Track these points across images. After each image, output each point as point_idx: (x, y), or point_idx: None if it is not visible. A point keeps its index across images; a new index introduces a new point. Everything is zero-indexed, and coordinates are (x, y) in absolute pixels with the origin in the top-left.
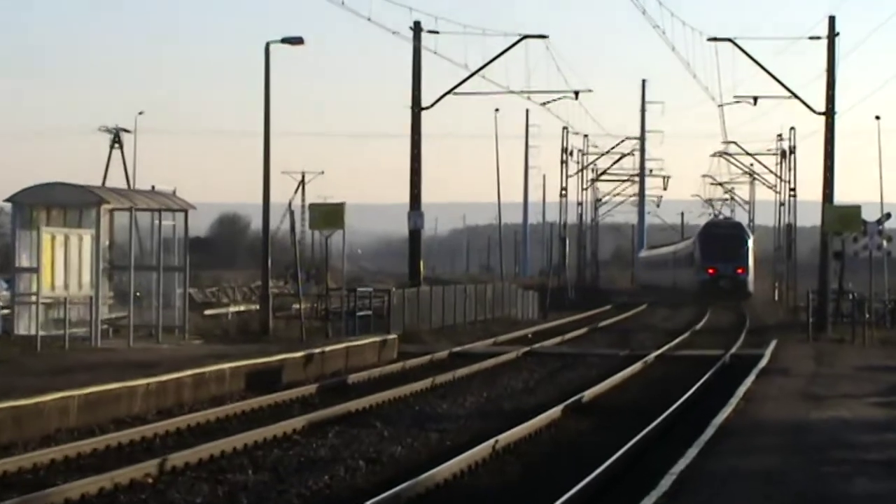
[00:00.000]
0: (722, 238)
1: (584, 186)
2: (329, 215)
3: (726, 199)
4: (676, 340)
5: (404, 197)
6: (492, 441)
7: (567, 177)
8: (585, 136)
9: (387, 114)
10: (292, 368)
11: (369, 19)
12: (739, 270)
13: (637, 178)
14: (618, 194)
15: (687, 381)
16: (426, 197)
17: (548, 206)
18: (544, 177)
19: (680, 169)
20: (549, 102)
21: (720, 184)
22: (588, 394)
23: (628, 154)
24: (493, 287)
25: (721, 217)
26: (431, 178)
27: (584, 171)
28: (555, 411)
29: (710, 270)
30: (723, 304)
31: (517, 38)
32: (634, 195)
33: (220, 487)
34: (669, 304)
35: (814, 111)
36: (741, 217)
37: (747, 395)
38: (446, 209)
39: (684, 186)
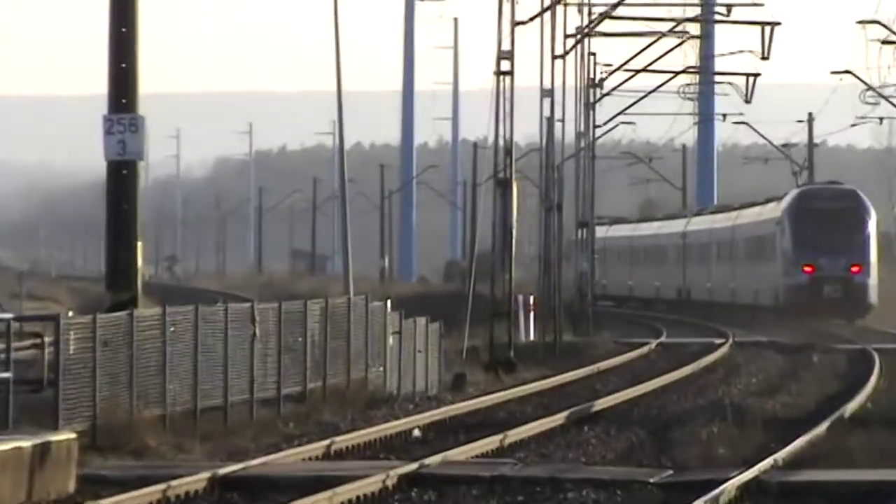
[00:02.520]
0: (827, 216)
1: (589, 78)
2: None
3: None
4: None
5: (95, 87)
6: None
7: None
8: None
9: None
10: None
11: None
12: (855, 269)
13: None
14: (656, 89)
15: None
16: (156, 87)
17: (473, 101)
18: (455, 40)
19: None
20: None
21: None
22: None
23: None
24: (324, 307)
25: (823, 184)
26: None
27: (585, 40)
28: None
29: (808, 269)
30: (830, 326)
31: None
32: (687, 89)
33: None
34: (723, 322)
35: None
36: None
37: None
38: (205, 115)
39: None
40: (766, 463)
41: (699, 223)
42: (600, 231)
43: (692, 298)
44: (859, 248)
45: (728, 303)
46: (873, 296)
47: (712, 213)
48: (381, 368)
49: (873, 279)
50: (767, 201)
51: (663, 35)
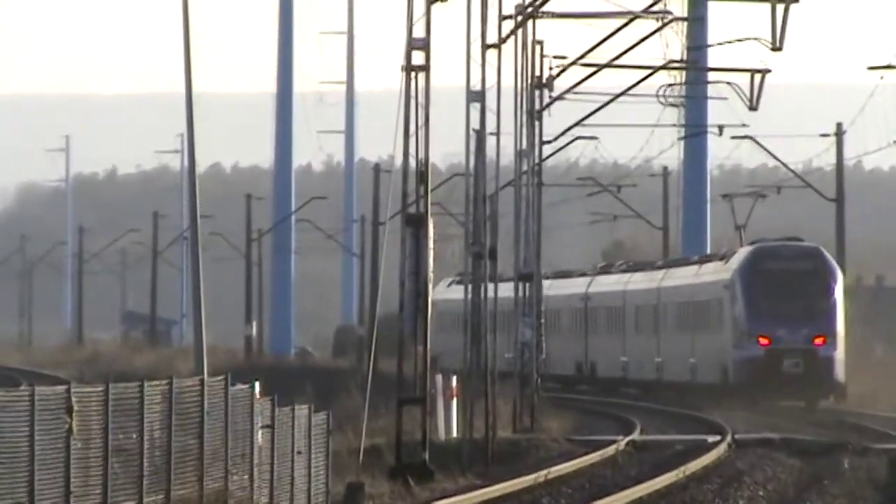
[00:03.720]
0: (786, 279)
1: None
2: None
3: None
4: None
5: None
6: None
7: None
8: None
9: None
10: None
11: None
12: (819, 340)
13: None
14: (627, 91)
15: None
16: None
17: None
18: None
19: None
20: None
21: None
22: None
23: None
24: (168, 392)
25: (781, 240)
26: None
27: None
28: None
29: (764, 340)
30: (788, 409)
31: None
32: (669, 91)
33: None
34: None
35: None
36: None
37: None
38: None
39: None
40: None
41: (606, 283)
42: (548, 286)
43: (598, 375)
44: (824, 316)
45: (653, 380)
46: (840, 372)
47: (625, 270)
48: (247, 476)
49: (840, 352)
50: (704, 260)
51: (637, 16)
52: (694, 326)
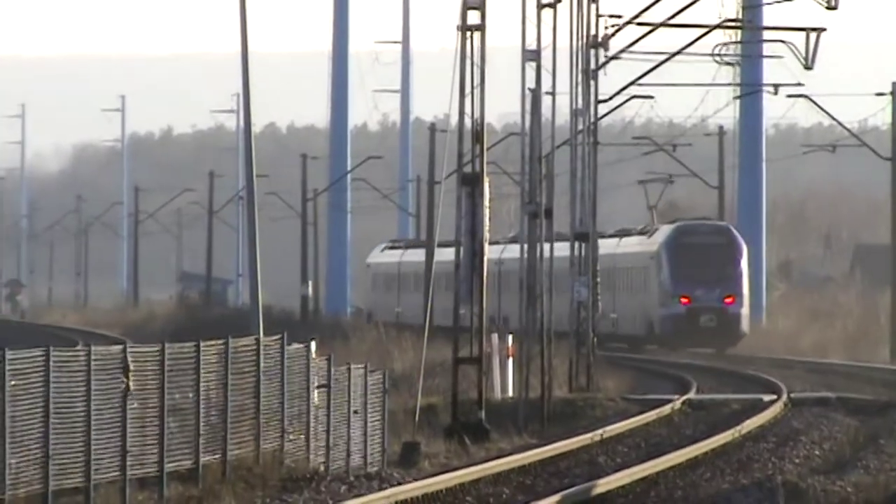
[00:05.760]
0: (702, 250)
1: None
2: None
3: None
4: None
5: None
6: None
7: None
8: None
9: None
10: None
11: None
12: (729, 300)
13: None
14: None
15: None
16: None
17: None
18: None
19: None
20: None
21: None
22: None
23: None
24: (224, 352)
25: (697, 219)
26: None
27: None
28: None
29: (684, 300)
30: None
31: None
32: (725, 50)
33: None
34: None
35: None
36: None
37: None
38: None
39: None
40: None
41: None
42: (606, 246)
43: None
44: (732, 280)
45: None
46: (745, 325)
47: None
48: (303, 436)
49: (745, 309)
50: (623, 233)
51: None
52: (625, 288)
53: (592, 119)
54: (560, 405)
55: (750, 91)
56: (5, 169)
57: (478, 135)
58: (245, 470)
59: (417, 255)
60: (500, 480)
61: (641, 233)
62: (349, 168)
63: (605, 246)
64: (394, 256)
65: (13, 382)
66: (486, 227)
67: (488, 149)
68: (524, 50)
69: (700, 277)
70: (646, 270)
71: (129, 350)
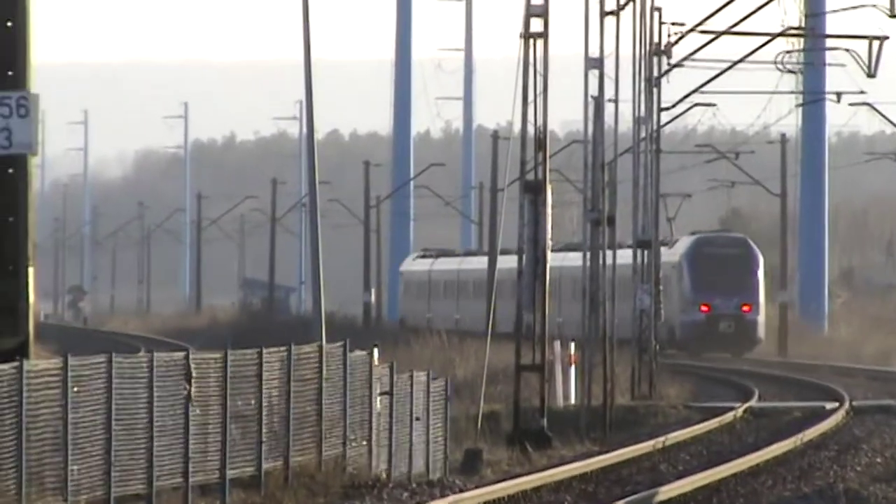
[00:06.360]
0: (720, 261)
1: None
2: None
3: None
4: None
5: None
6: None
7: None
8: None
9: None
10: None
11: None
12: (746, 308)
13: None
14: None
15: None
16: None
17: None
18: None
19: None
20: None
21: None
22: None
23: None
24: (286, 359)
25: (715, 232)
26: None
27: None
28: None
29: (704, 307)
30: (724, 359)
31: None
32: (787, 58)
33: None
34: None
35: None
36: None
37: None
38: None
39: None
40: None
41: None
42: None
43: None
44: (749, 289)
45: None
46: (761, 332)
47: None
48: (365, 442)
49: (761, 317)
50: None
51: None
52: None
53: (655, 127)
54: (622, 412)
55: (812, 99)
56: (68, 175)
57: (540, 142)
58: (307, 477)
59: (447, 263)
60: (561, 488)
61: (662, 244)
62: (412, 175)
63: (624, 256)
64: (425, 265)
65: (76, 389)
66: (549, 235)
67: (551, 156)
68: (587, 57)
69: (719, 286)
70: (667, 279)
71: (191, 357)
